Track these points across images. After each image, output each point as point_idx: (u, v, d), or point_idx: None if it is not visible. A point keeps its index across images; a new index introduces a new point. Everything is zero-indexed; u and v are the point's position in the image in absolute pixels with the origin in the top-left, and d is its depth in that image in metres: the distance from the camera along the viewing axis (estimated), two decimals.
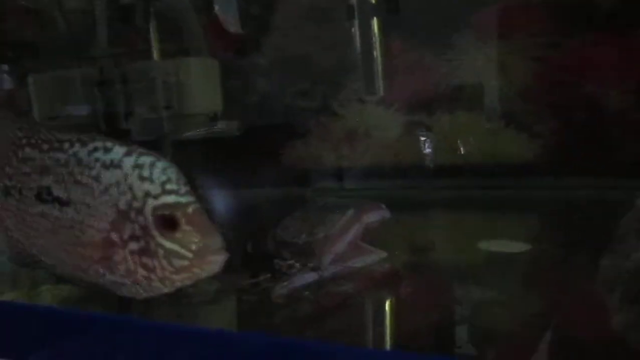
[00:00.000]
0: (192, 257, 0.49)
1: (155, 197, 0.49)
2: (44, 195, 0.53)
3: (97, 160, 0.50)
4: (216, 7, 1.13)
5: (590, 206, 0.97)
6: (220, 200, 0.95)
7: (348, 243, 0.75)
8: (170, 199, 0.49)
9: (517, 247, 0.80)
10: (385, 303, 0.72)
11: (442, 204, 1.12)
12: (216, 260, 0.50)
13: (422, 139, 1.15)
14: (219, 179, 0.98)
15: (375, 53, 1.18)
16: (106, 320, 0.61)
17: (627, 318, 0.43)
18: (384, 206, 0.80)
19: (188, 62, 1.01)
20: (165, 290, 0.52)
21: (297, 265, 0.73)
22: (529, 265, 0.79)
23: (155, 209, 0.49)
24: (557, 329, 0.55)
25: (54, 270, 0.58)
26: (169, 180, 0.49)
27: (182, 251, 0.49)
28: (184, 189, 0.50)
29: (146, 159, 0.50)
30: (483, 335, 0.61)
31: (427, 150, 1.14)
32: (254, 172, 1.12)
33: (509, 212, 1.04)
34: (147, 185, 0.49)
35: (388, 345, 0.64)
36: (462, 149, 1.14)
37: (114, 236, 0.50)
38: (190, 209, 0.49)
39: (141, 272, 0.50)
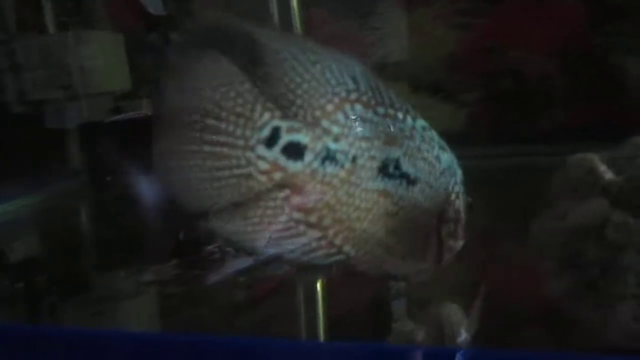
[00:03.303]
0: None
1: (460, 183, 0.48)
2: (390, 169, 0.45)
3: (432, 139, 0.46)
4: None
5: (517, 173, 0.96)
6: (148, 186, 0.90)
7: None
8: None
9: None
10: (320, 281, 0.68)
11: None
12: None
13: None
14: (143, 163, 0.92)
15: (295, 25, 1.13)
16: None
17: (565, 283, 0.40)
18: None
19: (89, 36, 0.91)
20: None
21: (232, 251, 0.69)
22: None
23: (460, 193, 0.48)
24: (490, 297, 0.53)
25: (353, 265, 0.46)
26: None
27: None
28: None
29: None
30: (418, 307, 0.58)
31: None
32: None
33: None
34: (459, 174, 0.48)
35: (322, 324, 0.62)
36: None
37: (435, 222, 0.47)
38: None
39: (447, 257, 0.47)
